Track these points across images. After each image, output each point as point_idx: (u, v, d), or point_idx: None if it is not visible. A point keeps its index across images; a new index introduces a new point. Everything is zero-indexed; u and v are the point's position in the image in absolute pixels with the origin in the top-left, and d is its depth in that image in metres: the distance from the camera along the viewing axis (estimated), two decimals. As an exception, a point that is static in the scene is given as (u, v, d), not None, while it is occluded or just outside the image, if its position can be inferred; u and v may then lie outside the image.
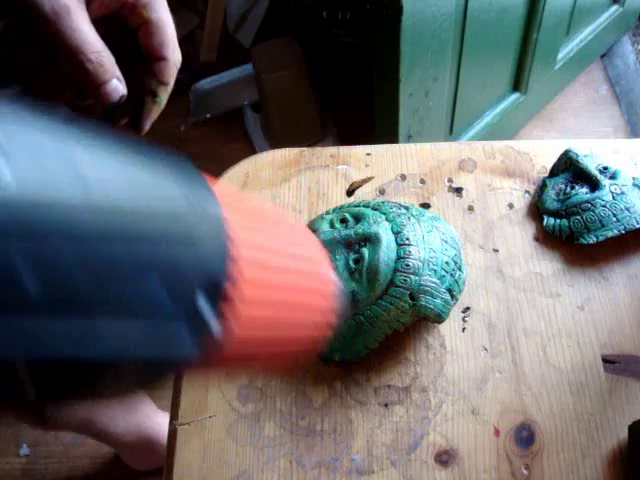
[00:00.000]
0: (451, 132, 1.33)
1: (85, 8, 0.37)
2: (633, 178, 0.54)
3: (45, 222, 0.15)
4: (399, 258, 0.46)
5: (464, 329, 0.50)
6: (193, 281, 0.19)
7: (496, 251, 0.53)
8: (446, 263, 0.47)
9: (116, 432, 0.96)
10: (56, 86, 0.41)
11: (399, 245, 0.46)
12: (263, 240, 0.24)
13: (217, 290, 0.20)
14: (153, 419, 1.03)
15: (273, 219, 0.28)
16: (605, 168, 0.54)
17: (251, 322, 0.22)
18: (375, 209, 0.50)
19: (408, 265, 0.45)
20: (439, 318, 0.46)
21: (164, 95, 0.41)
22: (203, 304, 0.19)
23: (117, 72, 0.38)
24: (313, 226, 0.51)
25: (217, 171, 0.59)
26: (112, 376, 0.18)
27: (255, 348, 0.24)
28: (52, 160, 0.16)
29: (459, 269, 0.48)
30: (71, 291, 0.15)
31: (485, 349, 0.49)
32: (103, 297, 0.16)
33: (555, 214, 0.53)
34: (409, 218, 0.48)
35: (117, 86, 0.37)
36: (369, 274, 0.45)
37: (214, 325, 0.20)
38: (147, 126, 0.42)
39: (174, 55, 0.40)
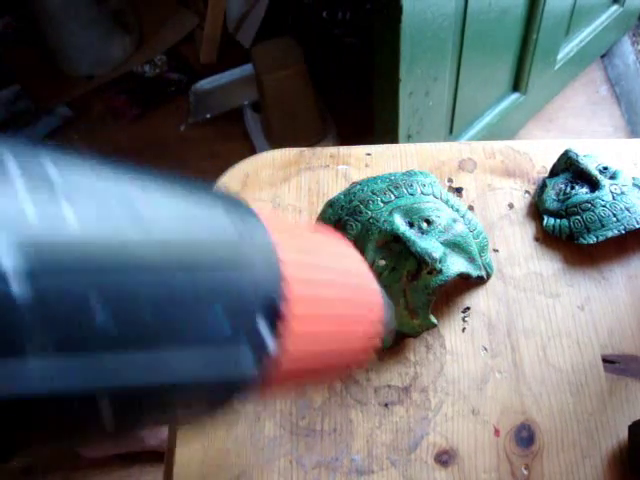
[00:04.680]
0: (451, 132, 1.33)
1: None
2: (633, 178, 0.54)
3: (110, 260, 0.15)
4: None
5: (464, 329, 0.50)
6: (252, 306, 0.19)
7: (496, 251, 0.53)
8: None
9: None
10: None
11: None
12: (311, 260, 0.25)
13: (273, 311, 0.20)
14: None
15: (318, 240, 0.29)
16: (605, 168, 0.54)
17: (306, 338, 0.23)
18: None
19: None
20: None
21: None
22: (262, 326, 0.20)
23: None
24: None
25: (217, 171, 0.59)
26: (183, 402, 0.18)
27: (310, 363, 0.24)
28: (109, 200, 0.16)
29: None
30: (140, 323, 0.16)
31: (485, 349, 0.49)
32: (170, 327, 0.17)
33: (555, 214, 0.53)
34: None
35: None
36: None
37: (273, 345, 0.20)
38: None
39: None
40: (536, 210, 0.55)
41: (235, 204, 0.22)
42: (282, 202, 0.57)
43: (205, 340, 0.18)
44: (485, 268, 0.51)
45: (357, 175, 0.58)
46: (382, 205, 0.48)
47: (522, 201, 0.56)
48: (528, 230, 0.55)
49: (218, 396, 0.20)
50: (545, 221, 0.54)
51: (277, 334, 0.21)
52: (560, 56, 1.51)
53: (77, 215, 0.15)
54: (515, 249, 0.53)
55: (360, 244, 0.47)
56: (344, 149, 0.60)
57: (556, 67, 1.52)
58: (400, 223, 0.47)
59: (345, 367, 0.30)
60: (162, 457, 0.46)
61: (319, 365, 0.26)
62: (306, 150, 0.60)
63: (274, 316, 0.21)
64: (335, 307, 0.25)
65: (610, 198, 0.52)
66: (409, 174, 0.52)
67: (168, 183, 0.20)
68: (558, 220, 0.53)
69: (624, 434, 0.44)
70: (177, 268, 0.17)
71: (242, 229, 0.21)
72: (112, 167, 0.18)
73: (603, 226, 0.51)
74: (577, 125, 1.64)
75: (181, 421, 0.21)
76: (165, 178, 0.20)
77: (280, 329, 0.21)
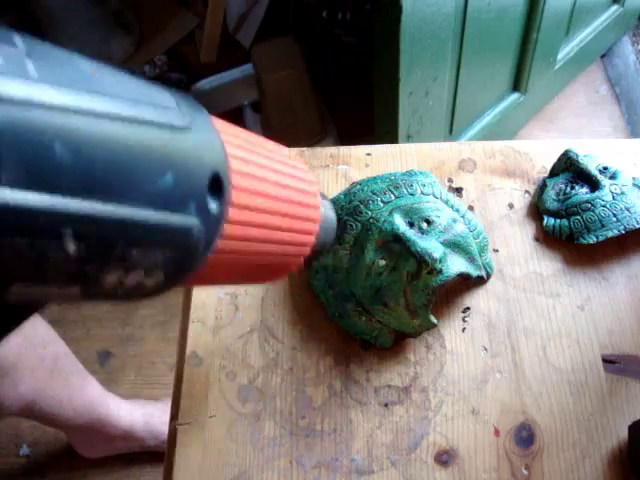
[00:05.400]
0: (451, 132, 1.33)
1: None
2: (633, 178, 0.54)
3: (66, 105, 0.18)
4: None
5: (464, 329, 0.50)
6: (198, 178, 0.22)
7: (496, 251, 0.53)
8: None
9: (65, 414, 0.96)
10: None
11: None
12: (254, 158, 0.28)
13: (218, 189, 0.23)
14: (102, 401, 1.03)
15: (264, 144, 0.31)
16: (605, 168, 0.54)
17: (245, 223, 0.26)
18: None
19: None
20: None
21: None
22: (209, 199, 0.23)
23: None
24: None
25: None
26: (139, 254, 0.21)
27: (247, 251, 0.27)
28: (70, 67, 0.19)
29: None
30: (95, 168, 0.18)
31: (485, 349, 0.49)
32: (123, 180, 0.19)
33: (555, 214, 0.53)
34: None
35: None
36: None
37: (218, 215, 0.24)
38: None
39: None
40: (536, 210, 0.55)
41: (186, 98, 0.24)
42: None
43: (156, 199, 0.20)
44: (485, 268, 0.51)
45: (357, 175, 0.58)
46: (382, 205, 0.48)
47: (522, 201, 0.56)
48: (528, 230, 0.54)
49: (171, 261, 0.22)
50: (545, 221, 0.54)
51: (221, 210, 0.24)
52: (560, 56, 1.51)
53: (38, 69, 0.17)
54: (515, 249, 0.53)
55: (360, 244, 0.48)
56: (344, 149, 0.60)
57: (556, 67, 1.52)
58: (400, 223, 0.47)
59: (276, 269, 0.32)
60: (162, 457, 0.46)
61: (254, 256, 0.28)
62: (306, 150, 0.60)
63: (218, 194, 0.23)
64: (273, 203, 0.28)
65: (610, 198, 0.52)
66: (409, 174, 0.52)
67: (125, 71, 0.22)
68: (558, 220, 0.53)
69: (624, 434, 0.44)
70: (126, 126, 0.20)
71: (190, 115, 0.23)
72: (80, 54, 0.21)
73: (603, 226, 0.51)
74: (577, 125, 1.64)
75: (142, 288, 0.23)
76: (121, 68, 0.23)
77: (224, 207, 0.24)
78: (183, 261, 0.23)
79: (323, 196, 0.36)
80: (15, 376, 0.83)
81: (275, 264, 0.32)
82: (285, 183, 0.30)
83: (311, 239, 0.33)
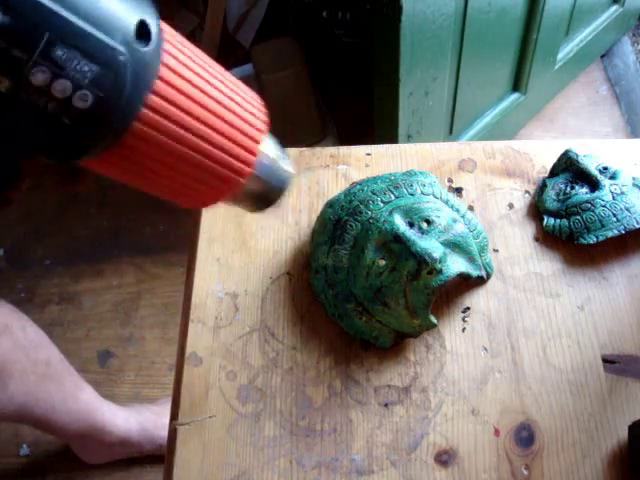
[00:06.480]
0: (451, 132, 1.33)
1: None
2: (633, 178, 0.54)
3: None
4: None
5: (464, 329, 0.50)
6: (125, 13, 0.25)
7: (496, 251, 0.53)
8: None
9: (60, 420, 0.95)
10: None
11: None
12: (191, 45, 0.29)
13: (146, 34, 0.25)
14: (98, 407, 1.02)
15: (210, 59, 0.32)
16: (605, 168, 0.54)
17: (175, 87, 0.27)
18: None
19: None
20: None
21: None
22: (136, 37, 0.25)
23: None
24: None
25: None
26: (66, 52, 0.23)
27: (175, 137, 0.28)
28: None
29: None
30: None
31: (485, 349, 0.49)
32: None
33: (555, 214, 0.53)
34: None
35: None
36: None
37: (143, 56, 0.25)
38: None
39: None
40: (536, 210, 0.55)
41: None
42: (282, 202, 0.57)
43: (80, 7, 0.23)
44: (485, 268, 0.51)
45: (357, 175, 0.58)
46: (382, 205, 0.48)
47: (522, 201, 0.56)
48: (528, 230, 0.55)
49: (99, 84, 0.24)
50: (545, 221, 0.54)
51: (148, 56, 0.25)
52: (560, 56, 1.51)
53: None
54: (515, 249, 0.53)
55: (360, 244, 0.48)
56: (344, 149, 0.60)
57: (556, 67, 1.52)
58: (400, 223, 0.47)
59: (210, 181, 0.31)
60: (162, 458, 0.46)
61: (184, 145, 0.28)
62: (306, 150, 0.60)
63: (146, 40, 0.25)
64: (206, 86, 0.29)
65: (610, 198, 0.52)
66: (409, 174, 0.52)
67: None
68: (558, 220, 0.53)
69: (624, 434, 0.44)
70: None
71: None
72: None
73: (603, 226, 0.51)
74: (577, 125, 1.64)
75: (73, 112, 0.24)
76: None
77: (152, 55, 0.25)
78: (112, 89, 0.24)
79: (283, 150, 0.37)
80: (4, 377, 0.83)
81: (207, 170, 0.30)
82: (220, 87, 0.30)
83: (247, 157, 0.32)
